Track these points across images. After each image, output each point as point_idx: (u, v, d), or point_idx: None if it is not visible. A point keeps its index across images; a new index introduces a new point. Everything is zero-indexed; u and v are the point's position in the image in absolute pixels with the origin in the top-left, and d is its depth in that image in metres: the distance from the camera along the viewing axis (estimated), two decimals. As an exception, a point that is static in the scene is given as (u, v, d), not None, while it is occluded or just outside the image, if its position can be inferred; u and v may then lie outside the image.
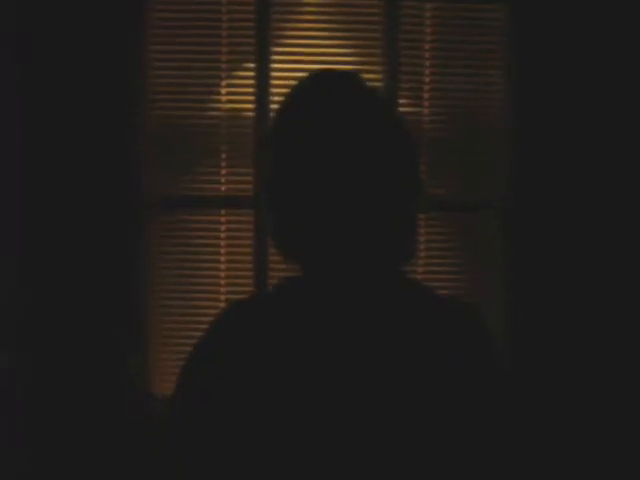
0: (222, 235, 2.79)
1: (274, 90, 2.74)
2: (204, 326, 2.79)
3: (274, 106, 2.72)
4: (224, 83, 2.77)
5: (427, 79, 2.79)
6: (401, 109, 2.73)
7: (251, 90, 2.74)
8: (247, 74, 2.75)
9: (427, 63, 2.79)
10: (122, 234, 2.67)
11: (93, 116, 2.64)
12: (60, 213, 2.65)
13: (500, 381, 1.14)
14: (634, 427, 2.77)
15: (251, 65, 2.74)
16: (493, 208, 2.81)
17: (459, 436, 1.07)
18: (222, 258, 2.79)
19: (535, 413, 2.74)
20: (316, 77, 1.09)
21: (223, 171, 2.77)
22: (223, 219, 2.78)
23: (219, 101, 2.77)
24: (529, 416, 2.70)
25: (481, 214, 2.83)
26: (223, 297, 2.79)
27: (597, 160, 2.72)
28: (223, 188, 2.77)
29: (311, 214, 1.03)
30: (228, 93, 2.77)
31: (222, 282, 2.80)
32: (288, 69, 2.75)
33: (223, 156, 2.77)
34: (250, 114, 2.74)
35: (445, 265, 2.83)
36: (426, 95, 2.79)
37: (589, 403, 2.76)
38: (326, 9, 2.77)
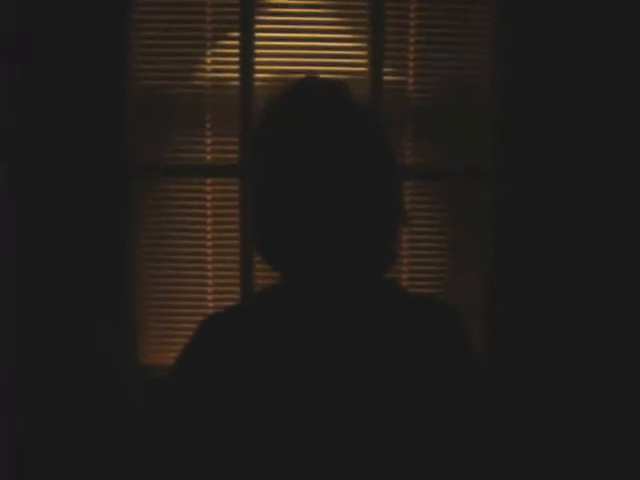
0: (208, 204, 2.80)
1: (259, 59, 2.73)
2: (190, 295, 2.83)
3: (259, 75, 2.73)
4: (209, 52, 2.76)
5: (412, 47, 2.78)
6: (386, 78, 2.74)
7: (236, 59, 2.73)
8: (232, 43, 2.74)
9: (412, 32, 2.78)
10: (108, 203, 2.67)
11: (79, 87, 2.63)
12: (47, 184, 2.65)
13: (478, 378, 1.17)
14: (620, 409, 2.81)
15: (236, 34, 2.73)
16: (480, 175, 2.83)
17: (444, 430, 1.09)
18: (209, 227, 2.81)
19: (521, 397, 2.78)
20: (301, 86, 1.09)
21: (208, 140, 2.77)
22: (209, 188, 2.79)
23: (204, 70, 2.76)
24: (511, 406, 2.74)
25: (468, 182, 2.85)
26: (210, 266, 2.81)
27: (587, 124, 2.72)
28: (209, 157, 2.78)
29: (293, 222, 1.03)
30: (213, 62, 2.76)
31: (209, 251, 2.81)
32: (273, 38, 2.75)
33: (208, 125, 2.77)
34: (235, 83, 2.73)
35: (431, 234, 2.85)
36: (411, 64, 2.79)
37: (581, 379, 2.79)
38: (311, -22, 2.76)
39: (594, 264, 2.77)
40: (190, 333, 2.81)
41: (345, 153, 1.02)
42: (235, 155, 2.75)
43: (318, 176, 1.02)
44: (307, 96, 1.06)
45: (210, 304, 2.81)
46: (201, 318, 2.79)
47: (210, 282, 2.81)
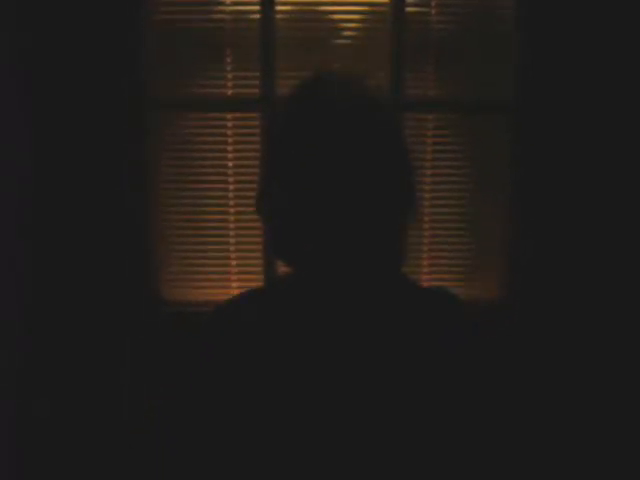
0: (229, 140, 2.79)
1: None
2: (212, 231, 2.85)
3: (279, 7, 2.69)
4: (228, -16, 2.73)
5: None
6: (408, 9, 2.69)
7: (256, -9, 2.70)
8: (251, -26, 2.71)
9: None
10: (129, 136, 2.68)
11: (98, 21, 2.61)
12: (65, 113, 2.66)
13: (488, 370, 1.16)
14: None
15: (255, -35, 2.69)
16: (499, 110, 2.80)
17: (453, 426, 1.09)
18: (230, 163, 2.80)
19: (536, 340, 2.80)
20: (319, 82, 1.07)
21: (229, 74, 2.75)
22: (230, 123, 2.78)
23: (224, 3, 2.72)
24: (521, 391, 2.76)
25: (487, 116, 2.81)
26: (232, 202, 2.81)
27: (613, 59, 2.67)
28: (229, 91, 2.76)
29: (305, 220, 1.03)
30: (233, -6, 2.74)
31: (230, 187, 2.81)
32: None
33: (229, 59, 2.74)
34: (255, 16, 2.70)
35: (452, 168, 2.83)
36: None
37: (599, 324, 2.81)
38: None
39: (613, 202, 2.75)
40: (211, 269, 2.85)
41: (358, 151, 1.01)
42: (256, 89, 2.73)
43: (330, 173, 1.01)
44: (323, 96, 1.05)
45: (232, 240, 2.83)
46: (222, 254, 2.81)
47: (232, 218, 2.82)
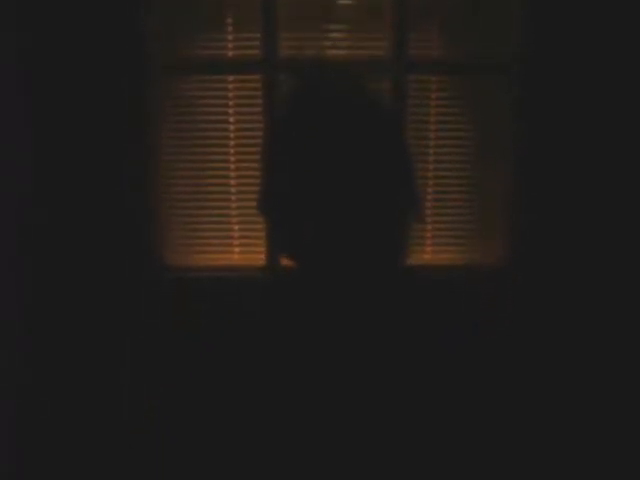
0: (230, 102, 2.76)
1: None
2: (214, 195, 2.82)
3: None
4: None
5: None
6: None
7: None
8: None
9: None
10: (130, 99, 2.65)
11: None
12: (64, 77, 2.63)
13: (486, 367, 1.16)
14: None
15: None
16: (502, 71, 2.76)
17: (452, 426, 1.09)
18: (231, 127, 2.78)
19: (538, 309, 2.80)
20: (321, 71, 1.09)
21: (230, 36, 2.72)
22: (231, 85, 2.75)
23: (224, -37, 2.69)
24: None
25: (490, 75, 2.78)
26: (233, 166, 2.79)
27: (612, 22, 2.64)
28: (230, 54, 2.73)
29: (305, 211, 1.04)
30: (233, -46, 2.69)
31: (232, 151, 2.79)
32: None
33: (230, 20, 2.70)
34: (256, -24, 2.66)
35: (455, 131, 2.80)
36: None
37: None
38: None
39: (619, 165, 2.73)
40: (213, 234, 2.84)
41: (357, 141, 1.02)
42: (257, 50, 2.70)
43: (328, 163, 1.02)
44: (324, 86, 1.06)
45: (234, 205, 2.81)
46: (225, 219, 2.79)
47: (233, 182, 2.80)
